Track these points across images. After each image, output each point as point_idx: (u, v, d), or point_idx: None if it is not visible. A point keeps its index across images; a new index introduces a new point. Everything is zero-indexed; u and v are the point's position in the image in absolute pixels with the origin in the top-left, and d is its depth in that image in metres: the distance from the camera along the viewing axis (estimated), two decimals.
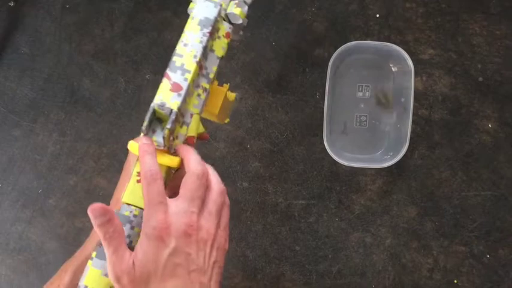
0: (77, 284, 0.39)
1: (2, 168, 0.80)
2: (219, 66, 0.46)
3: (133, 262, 0.35)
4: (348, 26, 0.79)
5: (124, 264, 0.35)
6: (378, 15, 0.79)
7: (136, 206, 0.40)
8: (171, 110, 0.40)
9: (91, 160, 0.80)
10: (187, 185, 0.37)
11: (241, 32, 0.50)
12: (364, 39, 0.78)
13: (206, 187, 0.38)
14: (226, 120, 0.54)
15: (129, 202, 0.40)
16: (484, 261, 0.76)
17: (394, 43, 0.75)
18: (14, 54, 0.81)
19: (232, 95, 0.52)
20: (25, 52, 0.81)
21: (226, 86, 0.50)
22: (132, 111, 0.79)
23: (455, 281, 0.76)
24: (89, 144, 0.80)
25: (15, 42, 0.81)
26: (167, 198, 0.37)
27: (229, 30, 0.46)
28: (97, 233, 0.51)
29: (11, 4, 0.82)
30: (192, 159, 0.39)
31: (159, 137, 0.40)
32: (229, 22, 0.47)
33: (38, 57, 0.81)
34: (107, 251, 0.35)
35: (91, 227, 0.52)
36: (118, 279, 0.35)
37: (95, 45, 0.81)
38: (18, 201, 0.80)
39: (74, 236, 0.79)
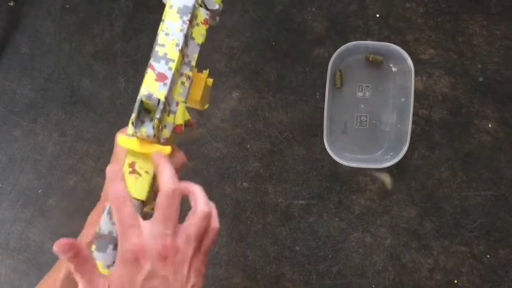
0: (73, 278, 0.39)
1: (2, 168, 0.80)
2: (200, 53, 0.46)
3: (108, 287, 0.35)
4: (348, 26, 0.79)
5: None
6: (378, 15, 0.79)
7: (132, 197, 0.40)
8: (159, 99, 0.40)
9: (91, 160, 0.80)
10: (159, 206, 0.37)
11: (217, 18, 0.50)
12: (364, 39, 0.78)
13: (178, 205, 0.37)
14: (206, 106, 0.54)
15: None
16: (484, 261, 0.76)
17: (394, 43, 0.75)
18: (14, 54, 0.81)
19: (210, 80, 0.51)
20: (25, 52, 0.81)
21: (205, 72, 0.50)
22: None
23: (455, 281, 0.76)
24: (89, 144, 0.80)
25: (15, 42, 0.81)
26: (140, 219, 0.36)
27: (207, 17, 0.47)
28: (85, 234, 0.50)
29: (11, 4, 0.82)
30: (164, 176, 0.38)
31: (148, 128, 0.40)
32: (206, 8, 0.47)
33: (38, 57, 0.81)
34: (80, 282, 0.35)
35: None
36: None
37: (95, 45, 0.81)
38: (18, 201, 0.80)
39: (74, 236, 0.79)
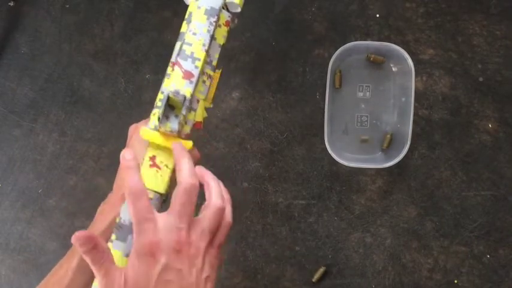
0: (85, 266, 0.39)
1: (2, 168, 0.80)
2: (220, 54, 0.48)
3: (124, 280, 0.35)
4: (348, 26, 0.79)
5: (115, 285, 0.35)
6: (378, 15, 0.79)
7: (152, 190, 0.41)
8: (185, 96, 0.41)
9: (91, 160, 0.80)
10: (176, 199, 0.37)
11: (236, 21, 0.51)
12: (364, 39, 0.78)
13: (195, 200, 0.38)
14: (211, 104, 0.55)
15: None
16: (484, 261, 0.76)
17: (394, 43, 0.75)
18: (14, 54, 0.81)
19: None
20: (25, 52, 0.81)
21: (218, 71, 0.51)
22: (132, 111, 0.79)
23: (455, 281, 0.76)
24: (89, 144, 0.80)
25: (15, 42, 0.81)
26: (155, 212, 0.37)
27: (229, 19, 0.48)
28: (95, 226, 0.50)
29: (11, 4, 0.82)
30: (184, 170, 0.38)
31: (174, 124, 0.41)
32: (227, 10, 0.49)
33: (38, 57, 0.81)
34: (97, 275, 0.35)
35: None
36: None
37: (95, 45, 0.81)
38: (18, 201, 0.80)
39: None
